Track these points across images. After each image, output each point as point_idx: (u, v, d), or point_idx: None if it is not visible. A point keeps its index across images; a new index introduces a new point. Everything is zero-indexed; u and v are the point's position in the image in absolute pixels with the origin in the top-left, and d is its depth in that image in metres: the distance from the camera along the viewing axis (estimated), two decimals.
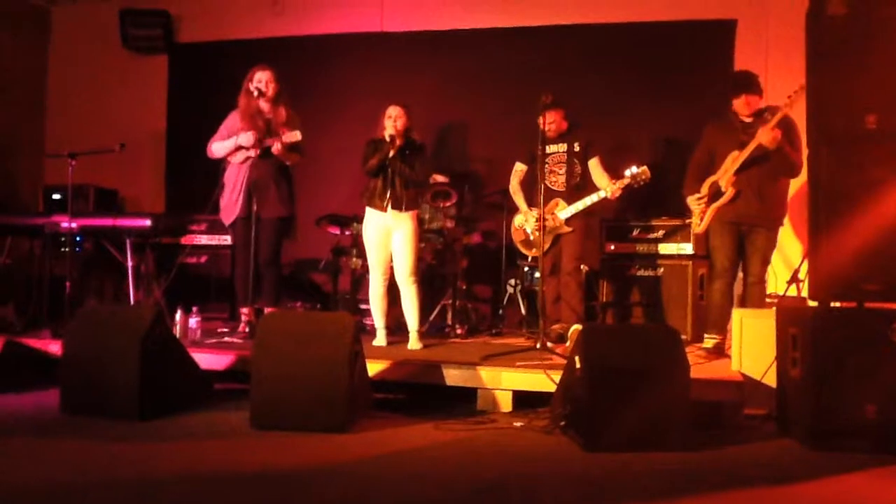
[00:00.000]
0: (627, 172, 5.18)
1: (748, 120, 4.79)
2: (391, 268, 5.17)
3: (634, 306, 5.92)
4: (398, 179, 5.06)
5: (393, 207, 5.05)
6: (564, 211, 5.34)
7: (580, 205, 5.30)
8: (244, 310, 5.37)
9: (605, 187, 5.23)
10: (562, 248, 5.42)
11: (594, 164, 5.39)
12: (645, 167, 5.17)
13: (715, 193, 4.84)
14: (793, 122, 4.65)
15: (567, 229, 5.35)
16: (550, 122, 5.28)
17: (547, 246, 5.31)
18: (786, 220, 4.96)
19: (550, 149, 5.41)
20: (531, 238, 5.53)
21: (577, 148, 5.41)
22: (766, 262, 4.83)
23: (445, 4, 7.08)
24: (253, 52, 6.75)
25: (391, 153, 5.02)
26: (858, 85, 3.68)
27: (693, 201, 4.95)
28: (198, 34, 7.60)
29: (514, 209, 5.67)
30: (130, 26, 7.57)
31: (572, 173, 5.41)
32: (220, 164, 5.40)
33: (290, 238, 5.57)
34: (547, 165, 5.39)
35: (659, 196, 6.15)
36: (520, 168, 5.59)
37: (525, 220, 5.56)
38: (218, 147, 5.34)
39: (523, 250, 5.73)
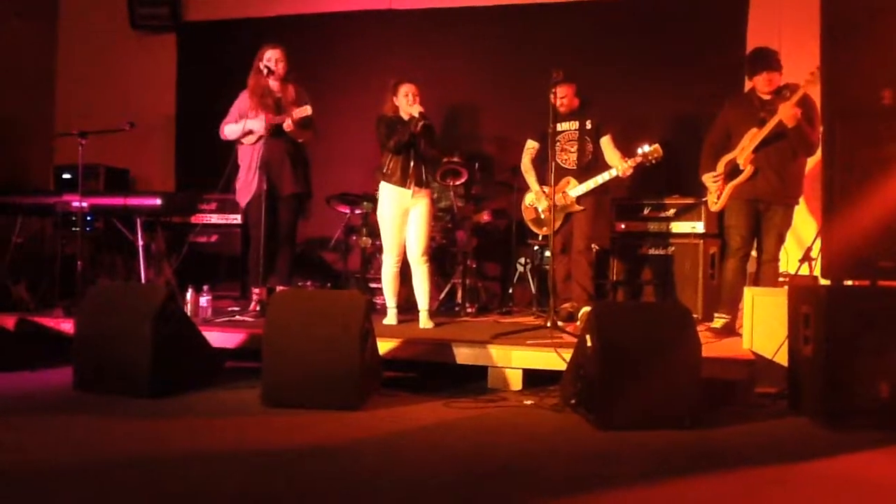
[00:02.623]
0: (639, 151, 5.11)
1: (767, 97, 4.74)
2: (405, 248, 5.15)
3: (645, 285, 5.91)
4: (420, 156, 5.05)
5: (416, 185, 5.04)
6: (576, 189, 5.28)
7: (591, 183, 5.24)
8: (255, 289, 5.37)
9: (617, 165, 5.15)
10: (573, 227, 5.36)
11: (606, 142, 5.32)
12: (657, 145, 5.08)
13: (732, 171, 4.81)
14: (811, 100, 4.60)
15: (578, 208, 5.29)
16: (562, 97, 5.23)
17: (558, 224, 5.28)
18: (800, 199, 4.93)
19: (562, 126, 5.35)
20: (542, 217, 5.50)
21: (588, 125, 5.34)
22: (781, 240, 4.81)
23: None
24: (261, 30, 6.73)
25: (417, 130, 4.99)
26: (873, 60, 3.63)
27: (709, 179, 4.92)
28: (205, 12, 7.56)
29: (525, 188, 5.63)
30: (138, 5, 7.55)
31: (584, 151, 5.34)
32: (232, 144, 5.39)
33: (303, 217, 5.57)
34: (558, 143, 5.32)
35: (670, 174, 6.11)
36: (532, 146, 5.53)
37: (536, 199, 5.51)
38: (230, 130, 5.32)
39: (534, 229, 5.68)
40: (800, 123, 4.55)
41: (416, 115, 4.97)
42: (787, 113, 4.53)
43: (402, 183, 5.03)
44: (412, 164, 5.03)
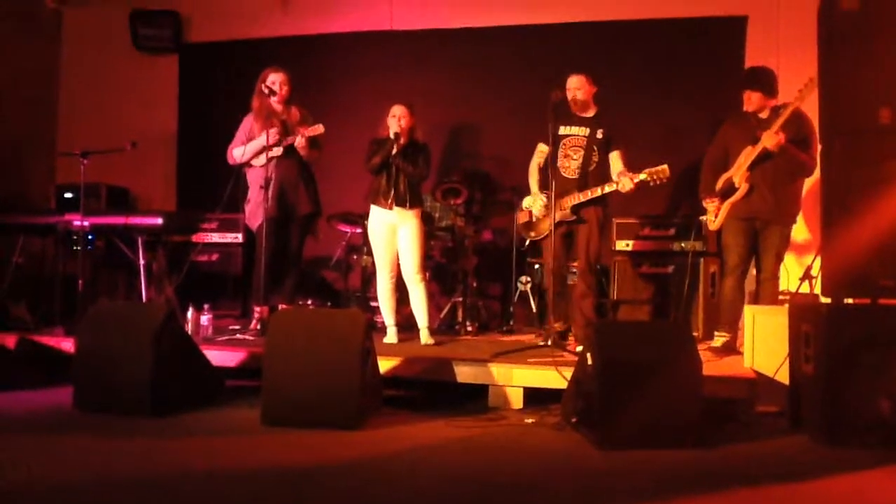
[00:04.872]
0: (646, 169, 4.84)
1: (764, 116, 4.76)
2: (398, 265, 5.17)
3: (645, 303, 5.90)
4: (402, 177, 5.08)
5: (397, 205, 5.07)
6: (572, 199, 4.96)
7: (590, 193, 4.94)
8: (257, 307, 5.37)
9: (622, 181, 4.86)
10: (575, 245, 5.09)
11: (616, 157, 5.02)
12: (665, 166, 4.80)
13: (728, 189, 4.82)
14: (806, 119, 4.62)
15: (571, 217, 5.00)
16: (576, 88, 4.99)
17: (549, 234, 4.96)
18: (799, 217, 4.93)
19: (570, 130, 5.03)
20: (534, 221, 5.25)
21: (599, 135, 5.01)
22: (779, 258, 4.81)
23: (454, 2, 7.08)
24: (262, 51, 6.79)
25: (394, 151, 5.03)
26: (871, 79, 3.64)
27: (707, 199, 4.93)
28: (207, 34, 7.63)
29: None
30: (141, 27, 7.62)
31: (589, 160, 5.01)
32: (236, 166, 5.41)
33: (313, 235, 5.59)
34: (562, 149, 5.04)
35: (670, 193, 6.12)
36: (542, 149, 5.16)
37: (532, 202, 5.23)
38: (239, 152, 5.34)
39: (524, 233, 5.40)
40: (785, 148, 4.57)
41: (392, 136, 5.02)
42: (770, 141, 4.57)
43: (384, 203, 5.08)
44: (393, 184, 5.07)
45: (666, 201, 6.28)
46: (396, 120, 5.07)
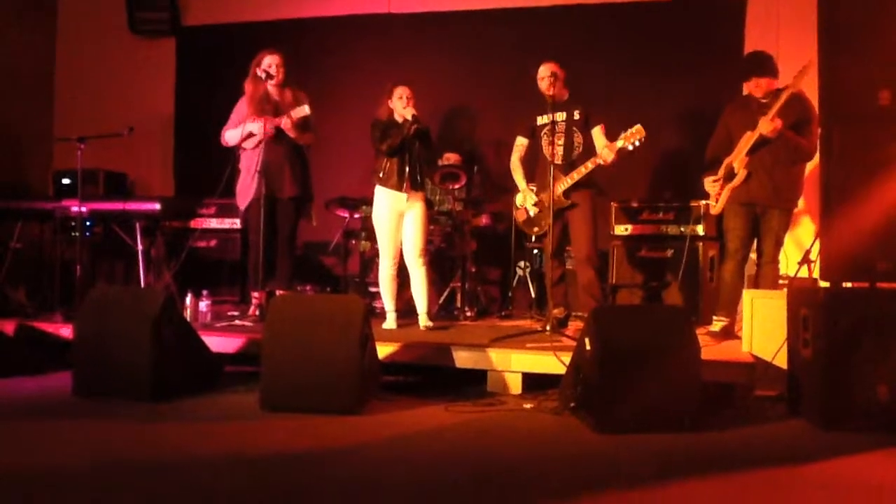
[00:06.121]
0: (622, 135, 4.86)
1: (765, 101, 4.74)
2: (401, 250, 5.16)
3: (644, 288, 5.89)
4: (415, 159, 5.07)
5: (411, 188, 5.06)
6: (561, 184, 5.00)
7: (575, 174, 4.97)
8: (255, 293, 5.37)
9: (600, 151, 4.90)
10: (570, 230, 5.12)
11: (597, 133, 5.05)
12: (639, 126, 4.82)
13: (729, 174, 4.81)
14: (807, 102, 4.58)
15: (566, 202, 5.02)
16: (544, 76, 5.00)
17: (550, 224, 5.01)
18: (800, 202, 4.91)
19: (549, 118, 5.07)
20: (532, 216, 5.27)
21: (577, 116, 5.06)
22: (779, 243, 4.79)
23: None
24: (260, 34, 6.75)
25: (411, 133, 5.01)
26: (871, 62, 3.63)
27: (709, 183, 4.91)
28: (204, 17, 7.58)
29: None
30: (137, 10, 7.56)
31: (572, 144, 5.07)
32: (232, 149, 5.39)
33: (307, 220, 5.56)
34: (545, 136, 5.11)
35: (668, 177, 6.10)
36: (521, 143, 5.28)
37: (525, 198, 5.28)
38: (230, 135, 5.32)
39: (526, 230, 5.46)
40: (782, 133, 4.55)
41: (409, 118, 5.00)
42: (766, 127, 4.55)
43: (398, 186, 5.04)
44: (407, 167, 5.05)
45: (665, 184, 6.25)
46: (405, 101, 5.05)
